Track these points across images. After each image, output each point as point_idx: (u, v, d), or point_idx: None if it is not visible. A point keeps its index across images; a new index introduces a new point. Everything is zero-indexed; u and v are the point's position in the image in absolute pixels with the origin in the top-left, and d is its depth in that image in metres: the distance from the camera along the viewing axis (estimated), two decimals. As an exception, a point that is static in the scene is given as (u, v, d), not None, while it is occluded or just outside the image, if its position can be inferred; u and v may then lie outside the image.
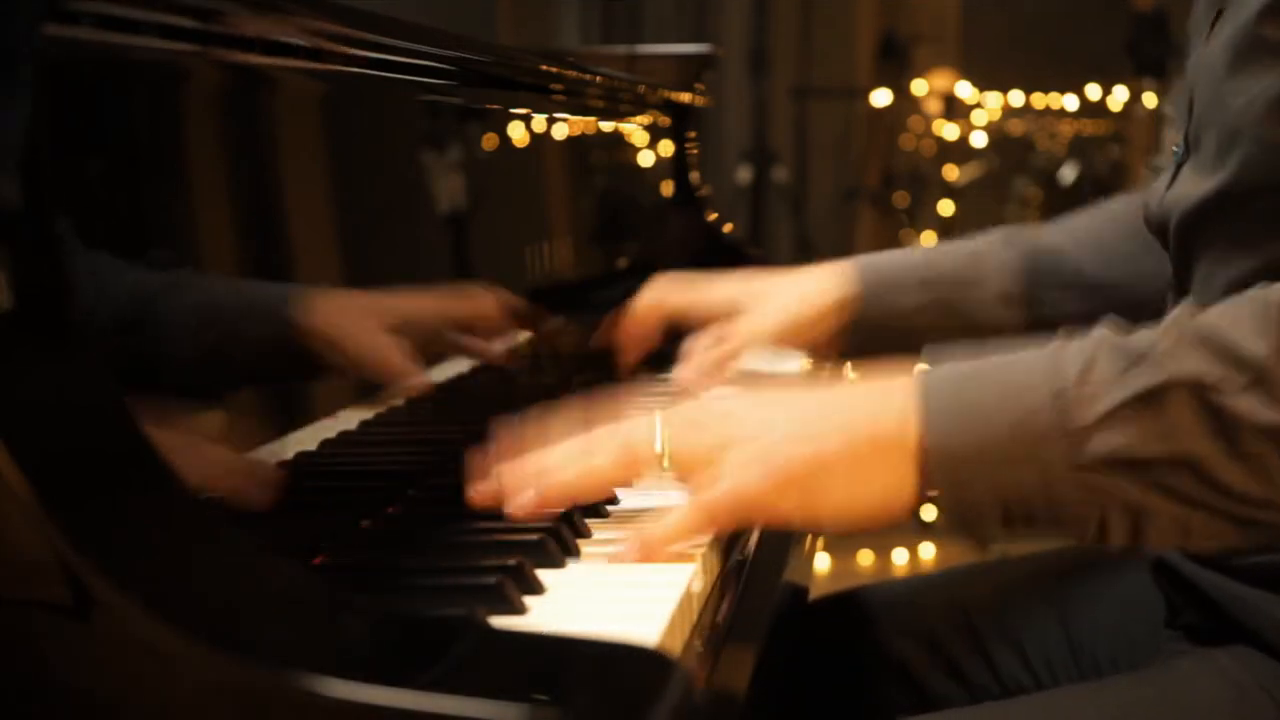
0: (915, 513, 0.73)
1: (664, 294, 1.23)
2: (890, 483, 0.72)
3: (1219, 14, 0.91)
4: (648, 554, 0.73)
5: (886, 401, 0.73)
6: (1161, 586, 0.99)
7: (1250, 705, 0.86)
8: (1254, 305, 0.70)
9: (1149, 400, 0.68)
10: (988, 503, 0.71)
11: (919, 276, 1.19)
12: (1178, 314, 0.72)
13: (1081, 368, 0.70)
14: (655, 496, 0.90)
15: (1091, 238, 1.18)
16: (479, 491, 0.77)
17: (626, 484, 0.78)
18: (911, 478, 0.72)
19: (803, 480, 0.72)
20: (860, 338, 1.20)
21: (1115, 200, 1.23)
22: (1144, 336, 0.71)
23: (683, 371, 1.18)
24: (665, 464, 0.75)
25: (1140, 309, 0.87)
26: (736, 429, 0.75)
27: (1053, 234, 1.20)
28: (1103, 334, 0.72)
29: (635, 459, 0.75)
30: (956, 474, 0.71)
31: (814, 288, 1.20)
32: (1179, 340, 0.69)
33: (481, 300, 1.09)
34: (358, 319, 0.89)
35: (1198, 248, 0.91)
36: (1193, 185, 0.91)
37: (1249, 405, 0.66)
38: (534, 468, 0.76)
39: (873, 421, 0.72)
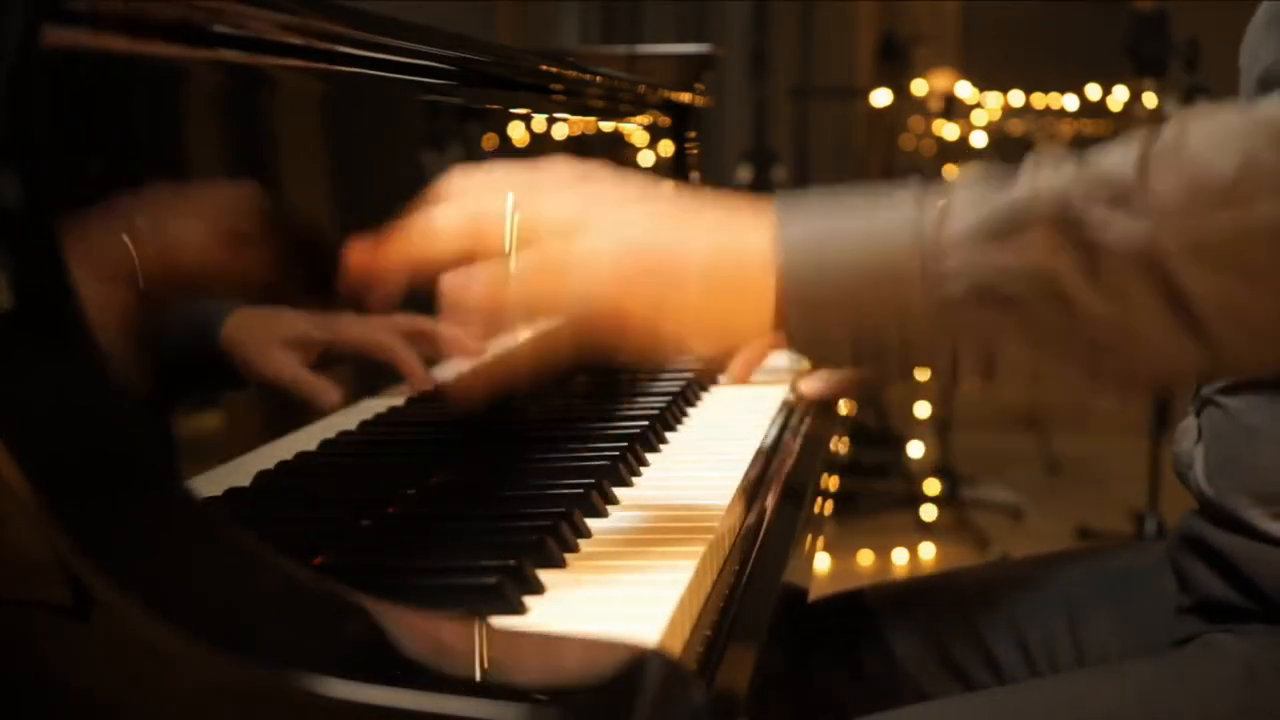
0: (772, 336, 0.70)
1: None
2: (748, 308, 0.70)
3: None
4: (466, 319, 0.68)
5: (752, 233, 0.70)
6: (1183, 561, 1.01)
7: (1261, 684, 0.89)
8: (1118, 146, 0.68)
9: (1010, 238, 0.66)
10: (840, 342, 0.69)
11: None
12: (1038, 159, 0.70)
13: (940, 214, 0.68)
14: (653, 502, 0.90)
15: None
16: (353, 258, 0.72)
17: (460, 254, 0.70)
18: (769, 311, 0.70)
19: (657, 275, 0.69)
20: None
21: None
22: (1004, 184, 0.68)
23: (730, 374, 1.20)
24: (510, 228, 0.69)
25: None
26: (594, 203, 0.70)
27: None
28: (959, 182, 0.70)
29: (480, 222, 0.70)
30: (813, 317, 0.69)
31: None
32: (1045, 163, 0.68)
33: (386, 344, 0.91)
34: (265, 338, 0.78)
35: None
36: None
37: (1112, 220, 0.65)
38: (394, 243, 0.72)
39: (738, 244, 0.70)
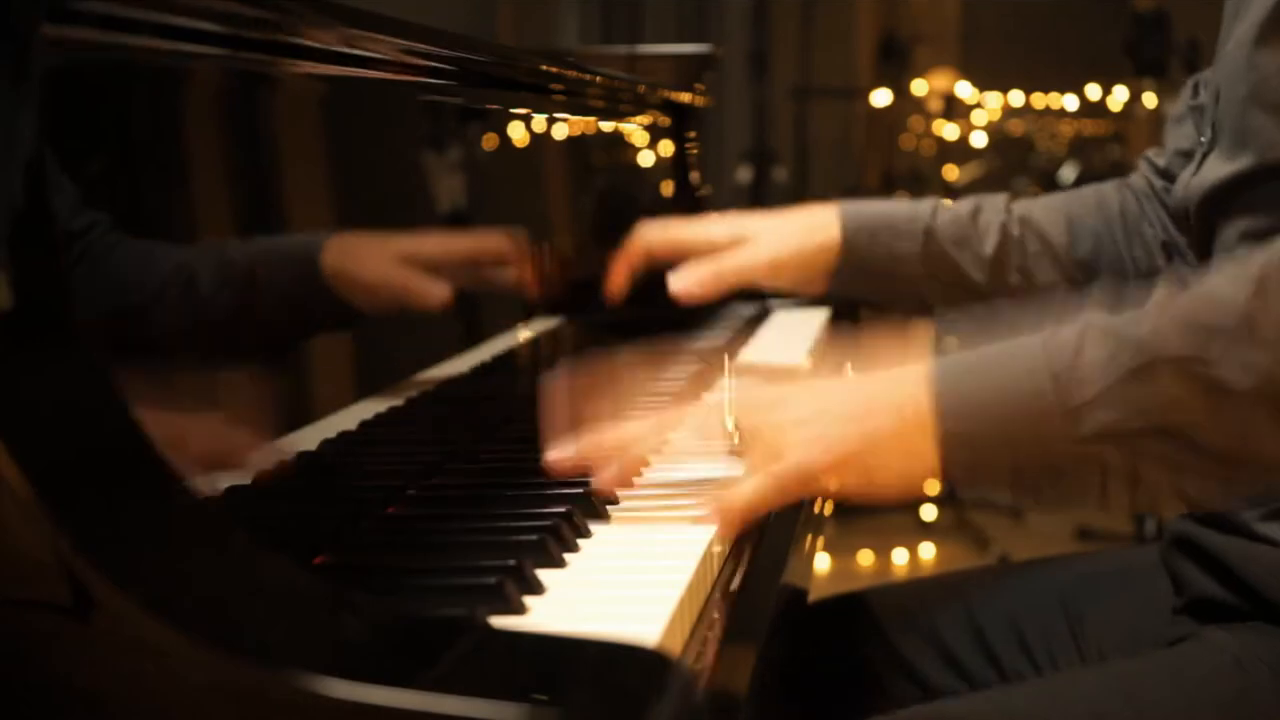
0: (939, 485, 0.82)
1: (661, 227, 1.25)
2: (918, 469, 0.80)
3: (1242, 8, 0.96)
4: (728, 522, 0.80)
5: (915, 391, 0.80)
6: (1175, 563, 1.01)
7: (1249, 676, 0.90)
8: (1231, 265, 0.76)
9: (1137, 378, 0.74)
10: (998, 478, 0.80)
11: (922, 225, 1.22)
12: (1161, 294, 0.77)
13: (1073, 352, 0.76)
14: (652, 500, 0.90)
15: (1063, 215, 1.24)
16: (558, 460, 0.85)
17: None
18: (934, 457, 0.79)
19: (859, 456, 0.81)
20: (847, 278, 1.24)
21: (1090, 187, 1.29)
22: (1129, 319, 0.76)
23: (676, 281, 1.20)
24: (735, 439, 0.84)
25: (1093, 279, 1.05)
26: (795, 411, 0.83)
27: (1030, 206, 1.26)
28: (1088, 318, 0.78)
29: (709, 433, 0.86)
30: (969, 457, 0.79)
31: (813, 224, 1.24)
32: (1161, 319, 0.75)
33: (493, 239, 1.12)
34: (372, 255, 0.93)
35: (1220, 225, 0.96)
36: (1216, 169, 0.96)
37: (1232, 354, 0.72)
38: (614, 440, 0.86)
39: (905, 419, 0.80)
